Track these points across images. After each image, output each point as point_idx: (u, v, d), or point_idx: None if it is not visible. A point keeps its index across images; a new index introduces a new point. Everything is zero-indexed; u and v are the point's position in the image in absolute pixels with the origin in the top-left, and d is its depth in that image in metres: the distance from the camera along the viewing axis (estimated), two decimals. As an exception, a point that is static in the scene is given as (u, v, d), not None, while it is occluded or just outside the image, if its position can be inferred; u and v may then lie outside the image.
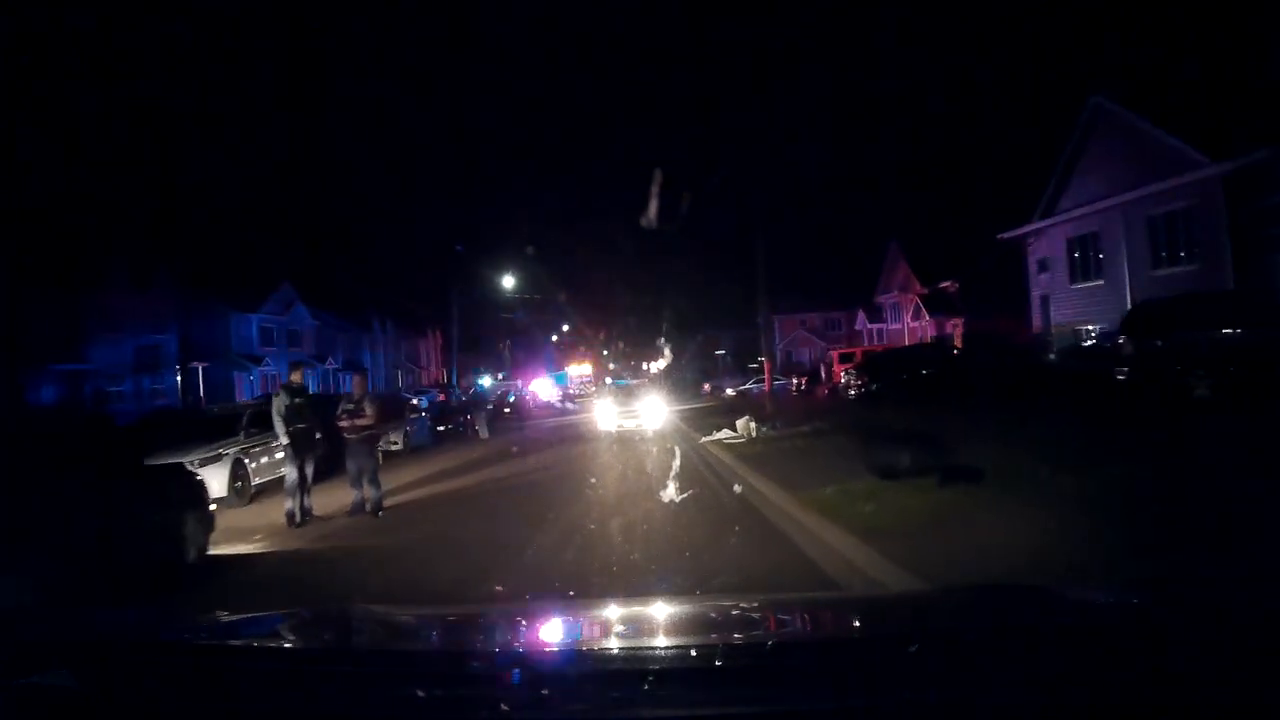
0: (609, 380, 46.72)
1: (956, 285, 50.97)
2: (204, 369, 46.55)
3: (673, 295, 74.44)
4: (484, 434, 30.75)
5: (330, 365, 62.66)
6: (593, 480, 16.05)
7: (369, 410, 13.30)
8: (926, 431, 14.23)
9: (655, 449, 22.06)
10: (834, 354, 47.54)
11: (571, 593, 7.01)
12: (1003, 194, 48.80)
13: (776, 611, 2.96)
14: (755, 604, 3.27)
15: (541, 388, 65.74)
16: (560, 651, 2.38)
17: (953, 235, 52.35)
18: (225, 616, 3.04)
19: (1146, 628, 2.15)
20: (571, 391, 66.00)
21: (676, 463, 16.35)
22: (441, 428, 32.29)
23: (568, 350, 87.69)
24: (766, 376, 34.57)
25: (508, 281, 54.12)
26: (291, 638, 2.69)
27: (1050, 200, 33.69)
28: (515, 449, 25.42)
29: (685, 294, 77.20)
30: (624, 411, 28.31)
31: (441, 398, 42.21)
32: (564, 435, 29.44)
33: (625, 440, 25.15)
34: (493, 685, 1.88)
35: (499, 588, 7.52)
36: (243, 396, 47.69)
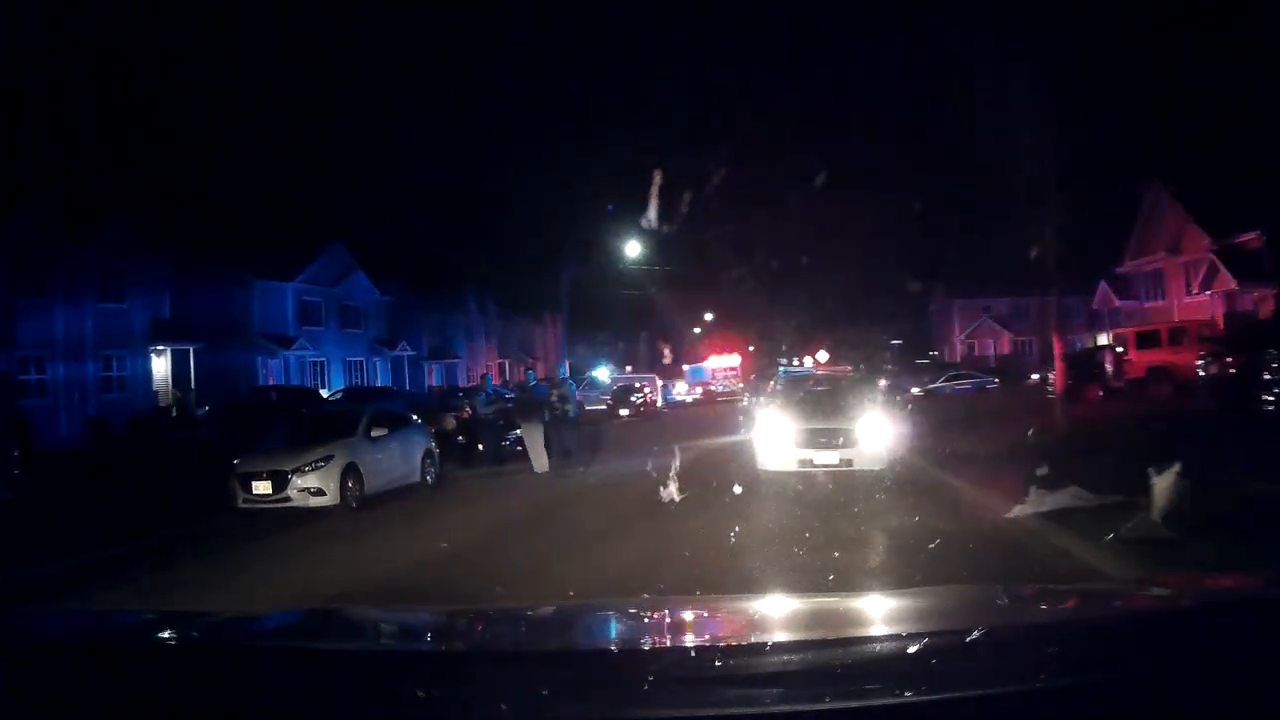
0: (780, 369, 31.41)
1: (1262, 237, 35.38)
2: (195, 351, 33.76)
3: (823, 280, 63.14)
4: (539, 465, 16.24)
5: (403, 351, 49.49)
6: None
7: None
8: None
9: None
10: (1129, 333, 31.43)
11: (572, 593, 6.49)
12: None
13: (777, 611, 2.90)
14: (756, 604, 3.24)
15: (677, 383, 53.75)
16: (560, 652, 2.33)
17: (1257, 163, 35.54)
18: (225, 616, 3.00)
19: (1146, 627, 2.14)
20: (714, 388, 53.27)
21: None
22: (480, 445, 18.23)
23: (710, 340, 73.99)
24: (1059, 372, 19.90)
25: (633, 251, 42.16)
26: (291, 638, 2.60)
27: None
28: (566, 532, 10.89)
29: (838, 281, 65.21)
30: (813, 431, 13.49)
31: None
32: (695, 478, 14.23)
33: (840, 516, 10.30)
34: (493, 685, 1.85)
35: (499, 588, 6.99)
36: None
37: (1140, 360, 28.69)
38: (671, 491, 12.14)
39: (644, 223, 37.97)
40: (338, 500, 12.55)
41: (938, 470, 14.07)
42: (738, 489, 12.46)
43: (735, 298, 73.43)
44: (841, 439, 13.34)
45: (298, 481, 12.38)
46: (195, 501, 13.73)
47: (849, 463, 13.20)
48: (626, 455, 17.30)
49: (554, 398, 16.61)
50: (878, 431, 13.68)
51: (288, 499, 12.39)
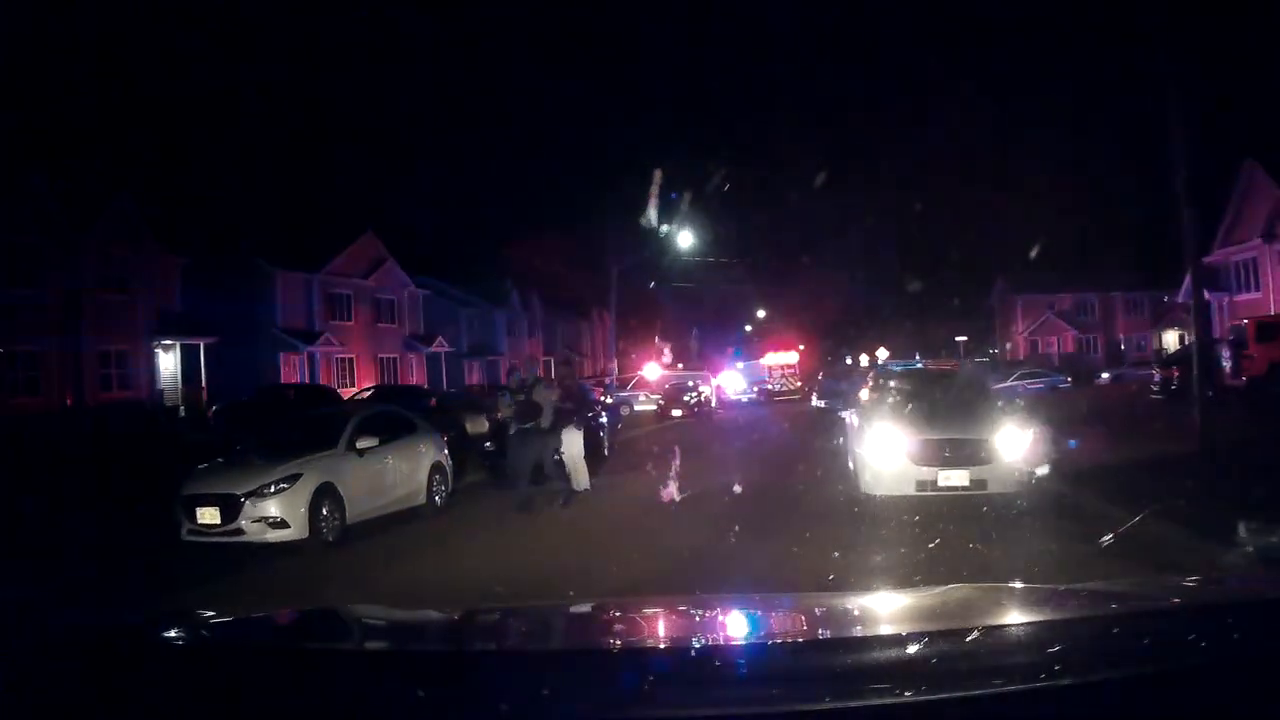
0: (881, 365, 28.26)
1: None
2: (207, 346, 31.14)
3: (880, 276, 61.32)
4: (583, 483, 13.00)
5: (441, 348, 46.67)
6: None
7: None
8: None
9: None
10: (1248, 324, 27.84)
11: (571, 593, 6.27)
12: None
13: (777, 611, 2.91)
14: (754, 603, 3.27)
15: (731, 381, 50.63)
16: (559, 651, 2.35)
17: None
18: (225, 616, 2.92)
19: (1147, 627, 2.02)
20: (770, 387, 50.15)
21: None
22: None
23: (763, 338, 70.93)
24: (1197, 364, 16.40)
25: (685, 242, 39.59)
26: (291, 637, 2.62)
27: None
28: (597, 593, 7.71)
29: (895, 277, 63.48)
30: (935, 444, 10.40)
31: (599, 394, 24.23)
32: (780, 509, 11.04)
33: (999, 567, 7.34)
34: (493, 685, 1.81)
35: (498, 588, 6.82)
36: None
37: (1262, 356, 24.97)
38: (748, 532, 9.00)
39: (693, 217, 35.42)
40: (305, 533, 9.54)
41: (1084, 492, 10.83)
42: (843, 526, 9.35)
43: (788, 294, 70.85)
44: (972, 453, 10.22)
45: (253, 508, 9.38)
46: (144, 527, 10.78)
47: (982, 484, 10.15)
48: (683, 469, 14.07)
49: (555, 397, 12.99)
50: (1017, 443, 10.46)
51: (240, 531, 9.41)
